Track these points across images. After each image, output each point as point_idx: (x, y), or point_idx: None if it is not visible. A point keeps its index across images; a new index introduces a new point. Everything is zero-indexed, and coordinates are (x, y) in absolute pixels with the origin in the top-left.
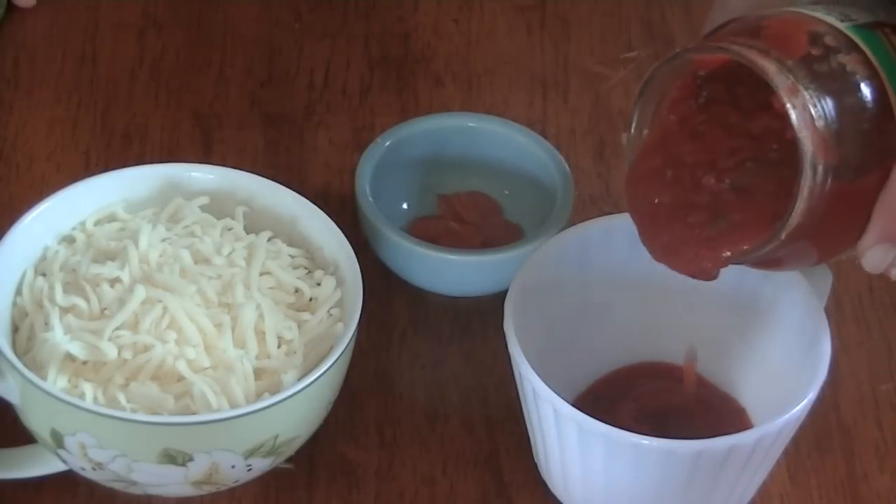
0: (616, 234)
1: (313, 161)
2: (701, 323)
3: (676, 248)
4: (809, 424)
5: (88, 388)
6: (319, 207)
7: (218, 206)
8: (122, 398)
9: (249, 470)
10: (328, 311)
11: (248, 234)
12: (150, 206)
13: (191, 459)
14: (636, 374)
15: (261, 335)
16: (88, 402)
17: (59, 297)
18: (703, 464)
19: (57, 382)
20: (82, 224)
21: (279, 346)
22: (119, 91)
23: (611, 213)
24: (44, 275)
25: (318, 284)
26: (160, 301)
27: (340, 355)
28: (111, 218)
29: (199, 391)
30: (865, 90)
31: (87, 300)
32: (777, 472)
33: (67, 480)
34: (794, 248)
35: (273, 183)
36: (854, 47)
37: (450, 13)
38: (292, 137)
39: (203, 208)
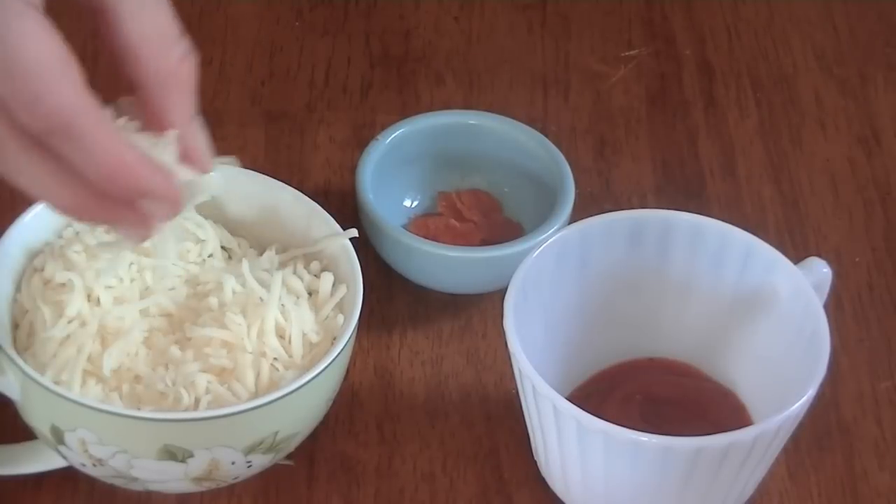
0: (616, 231)
1: (314, 158)
2: (701, 320)
3: None
4: (809, 422)
5: (89, 385)
6: (320, 205)
7: (218, 204)
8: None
9: (249, 466)
10: (329, 308)
11: (248, 231)
12: None
13: (191, 456)
14: (636, 369)
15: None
16: (89, 399)
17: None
18: (703, 461)
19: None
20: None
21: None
22: (120, 89)
23: (611, 211)
24: (44, 271)
25: (318, 278)
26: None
27: (340, 352)
28: None
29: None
30: None
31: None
32: (776, 469)
33: (67, 477)
34: None
35: (274, 180)
36: None
37: (450, 11)
38: (293, 135)
39: (203, 206)
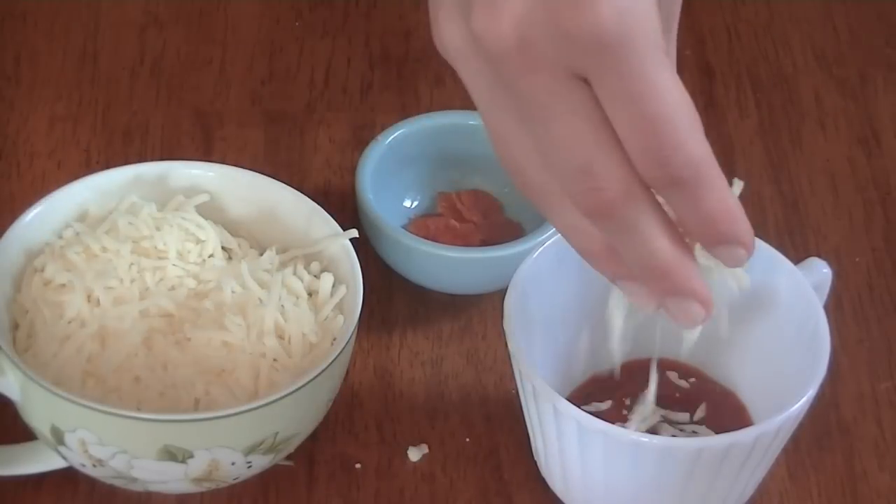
0: None
1: (314, 159)
2: None
3: None
4: (809, 422)
5: (88, 385)
6: (320, 205)
7: (218, 204)
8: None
9: (249, 467)
10: (328, 309)
11: (248, 231)
12: (151, 203)
13: (191, 456)
14: (636, 369)
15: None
16: (89, 399)
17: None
18: (703, 461)
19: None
20: (82, 221)
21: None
22: (120, 89)
23: None
24: (44, 272)
25: (318, 279)
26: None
27: (340, 353)
28: (112, 221)
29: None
30: None
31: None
32: (776, 469)
33: (68, 477)
34: None
35: (274, 181)
36: None
37: None
38: (293, 135)
39: (203, 206)
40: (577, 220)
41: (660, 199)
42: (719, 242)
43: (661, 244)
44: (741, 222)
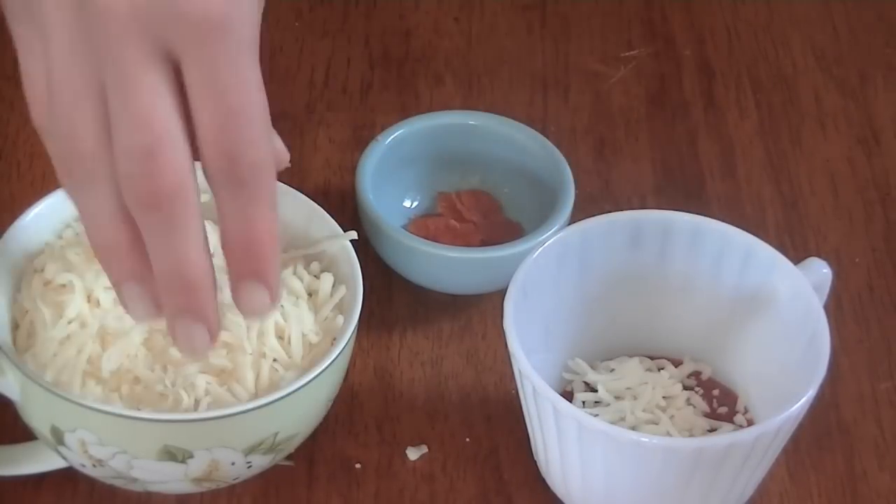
0: (616, 232)
1: (314, 159)
2: (701, 320)
3: None
4: (809, 422)
5: (89, 385)
6: (320, 205)
7: None
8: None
9: (249, 467)
10: (328, 309)
11: None
12: None
13: (191, 456)
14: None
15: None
16: (89, 399)
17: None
18: (703, 461)
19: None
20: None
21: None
22: None
23: (611, 212)
24: (44, 272)
25: (318, 279)
26: None
27: (340, 353)
28: None
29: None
30: None
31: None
32: (777, 469)
33: (67, 477)
34: None
35: None
36: None
37: (450, 12)
38: (293, 135)
39: (203, 206)
40: (110, 206)
41: None
42: (251, 273)
43: (197, 256)
44: (276, 259)
